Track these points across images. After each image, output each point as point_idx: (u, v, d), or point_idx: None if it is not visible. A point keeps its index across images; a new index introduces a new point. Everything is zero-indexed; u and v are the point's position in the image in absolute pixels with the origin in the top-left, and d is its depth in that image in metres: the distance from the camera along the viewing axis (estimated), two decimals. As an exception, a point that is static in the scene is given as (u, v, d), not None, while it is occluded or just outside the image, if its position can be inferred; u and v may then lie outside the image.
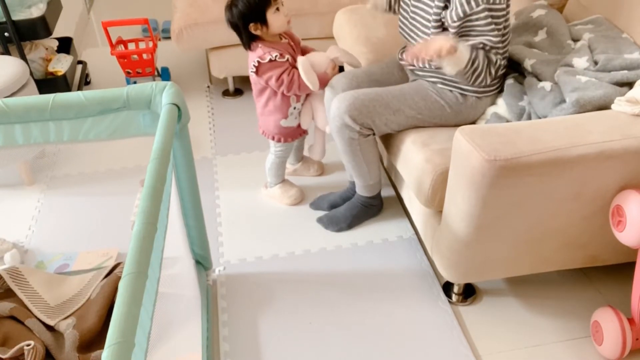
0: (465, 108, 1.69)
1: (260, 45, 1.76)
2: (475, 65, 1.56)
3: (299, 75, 1.78)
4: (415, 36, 1.70)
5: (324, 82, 1.82)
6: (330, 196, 2.05)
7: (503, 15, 1.55)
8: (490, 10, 1.51)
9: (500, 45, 1.58)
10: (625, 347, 1.45)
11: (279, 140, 1.95)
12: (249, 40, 1.76)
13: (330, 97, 1.81)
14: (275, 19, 1.72)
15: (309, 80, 1.76)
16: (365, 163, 1.79)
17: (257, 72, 1.78)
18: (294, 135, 1.97)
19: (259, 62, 1.75)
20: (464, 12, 1.51)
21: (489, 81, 1.63)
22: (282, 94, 1.84)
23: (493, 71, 1.61)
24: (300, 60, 1.78)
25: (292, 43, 1.85)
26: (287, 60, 1.78)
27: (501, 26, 1.55)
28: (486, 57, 1.58)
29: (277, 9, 1.71)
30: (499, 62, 1.61)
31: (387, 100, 1.66)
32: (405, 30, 1.75)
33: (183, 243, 1.49)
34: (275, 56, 1.74)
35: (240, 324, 1.65)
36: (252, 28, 1.73)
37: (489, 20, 1.52)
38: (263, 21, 1.71)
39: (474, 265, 1.53)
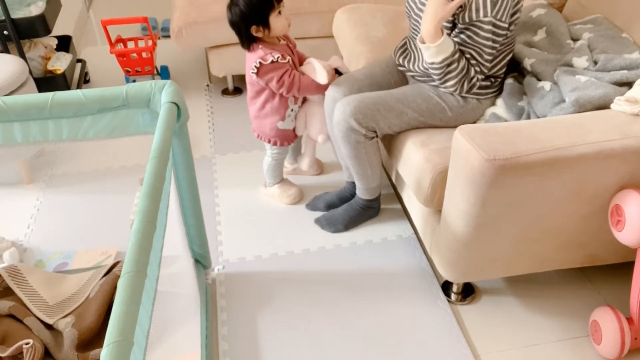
0: (466, 111, 1.68)
1: (260, 46, 1.76)
2: (452, 67, 1.55)
3: (299, 76, 1.79)
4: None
5: (324, 89, 1.82)
6: (326, 196, 2.05)
7: (504, 36, 1.54)
8: (494, 25, 1.50)
9: (487, 64, 1.58)
10: (624, 347, 1.45)
11: (274, 144, 1.95)
12: (249, 42, 1.76)
13: (331, 102, 1.80)
14: (278, 22, 1.72)
15: (320, 74, 1.77)
16: (369, 166, 1.79)
17: (257, 74, 1.77)
18: (289, 138, 1.97)
19: (260, 63, 1.74)
20: (470, 18, 1.51)
21: (458, 91, 1.63)
22: (281, 95, 1.84)
23: (466, 85, 1.61)
24: (310, 59, 1.81)
25: (290, 45, 1.85)
26: (288, 61, 1.78)
27: (497, 45, 1.55)
28: (466, 67, 1.57)
29: (279, 12, 1.71)
30: (476, 80, 1.61)
31: (390, 103, 1.66)
32: (413, 10, 1.69)
33: (182, 242, 1.49)
34: (278, 57, 1.74)
35: (239, 322, 1.65)
36: (254, 30, 1.72)
37: (489, 35, 1.52)
38: (265, 24, 1.71)
39: (473, 265, 1.53)
